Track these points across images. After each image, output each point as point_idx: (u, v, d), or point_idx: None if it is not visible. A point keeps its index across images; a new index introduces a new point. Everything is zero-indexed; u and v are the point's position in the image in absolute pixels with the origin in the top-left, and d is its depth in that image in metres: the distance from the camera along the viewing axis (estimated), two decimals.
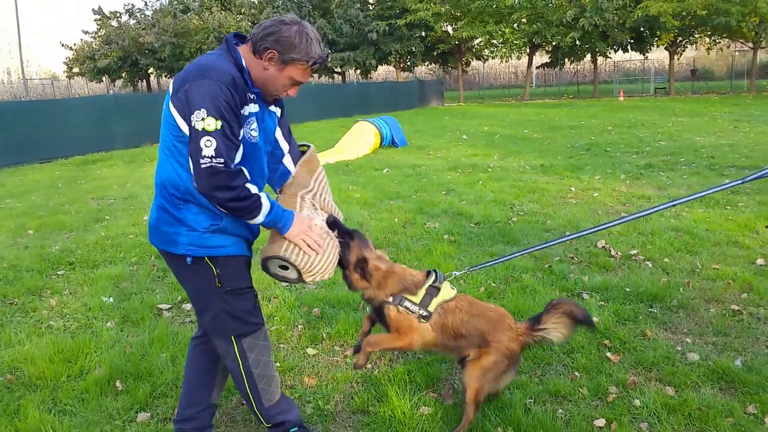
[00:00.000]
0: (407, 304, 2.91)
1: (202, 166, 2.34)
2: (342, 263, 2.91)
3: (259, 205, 2.52)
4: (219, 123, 2.33)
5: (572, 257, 5.73)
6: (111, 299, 5.05)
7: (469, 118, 25.17)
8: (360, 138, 14.08)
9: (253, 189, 2.50)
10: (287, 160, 2.91)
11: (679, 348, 3.91)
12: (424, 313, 2.93)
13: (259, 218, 2.55)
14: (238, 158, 2.49)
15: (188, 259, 2.60)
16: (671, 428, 3.10)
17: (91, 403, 3.41)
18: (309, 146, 3.00)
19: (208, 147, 2.32)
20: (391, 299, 2.91)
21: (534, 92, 49.26)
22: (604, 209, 7.49)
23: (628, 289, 4.84)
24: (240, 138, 2.48)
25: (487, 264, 3.85)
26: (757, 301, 4.54)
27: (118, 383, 3.59)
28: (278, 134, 2.86)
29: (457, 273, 3.42)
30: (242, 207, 2.48)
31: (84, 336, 4.25)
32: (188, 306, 4.85)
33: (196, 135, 2.34)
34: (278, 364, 3.75)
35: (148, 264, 6.05)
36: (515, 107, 32.84)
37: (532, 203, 8.05)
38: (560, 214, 7.33)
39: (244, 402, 2.98)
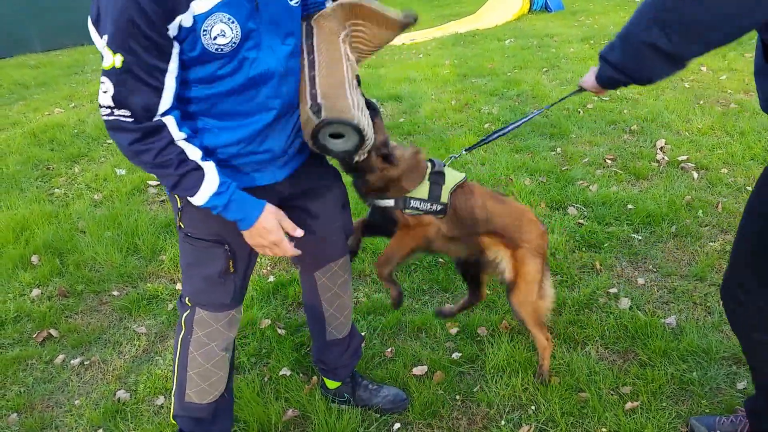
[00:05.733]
0: (414, 203, 2.32)
1: (103, 118, 1.65)
2: None
3: (197, 180, 1.75)
4: (117, 58, 1.54)
5: (609, 159, 4.78)
6: (123, 171, 5.33)
7: None
8: (505, 2, 12.74)
9: (192, 152, 1.73)
10: None
11: (614, 290, 3.16)
12: (439, 208, 2.34)
13: (199, 198, 1.77)
14: (166, 101, 1.66)
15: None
16: (498, 393, 2.57)
17: (0, 273, 3.74)
18: None
19: (105, 94, 1.59)
20: (392, 203, 2.33)
21: None
22: (712, 99, 6.02)
23: (630, 206, 3.95)
24: (163, 68, 1.62)
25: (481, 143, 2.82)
26: None
27: (34, 258, 3.85)
28: None
29: (455, 156, 2.62)
30: (166, 176, 1.74)
31: (58, 208, 4.60)
32: None
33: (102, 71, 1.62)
34: None
35: None
36: None
37: (632, 86, 6.73)
38: (649, 102, 6.07)
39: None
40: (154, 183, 5.04)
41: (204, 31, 1.63)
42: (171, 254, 3.86)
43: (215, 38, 1.65)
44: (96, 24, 1.58)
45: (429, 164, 2.39)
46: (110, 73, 1.57)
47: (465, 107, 6.51)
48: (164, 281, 3.65)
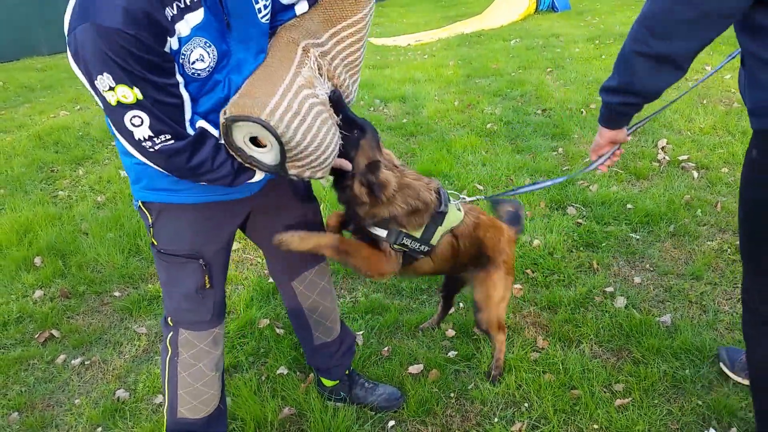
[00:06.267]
0: (405, 241, 2.19)
1: (150, 150, 1.63)
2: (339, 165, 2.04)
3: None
4: (136, 91, 1.53)
5: None
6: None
7: None
8: (511, 2, 12.73)
9: None
10: (302, 7, 1.98)
11: (610, 289, 3.17)
12: (426, 249, 2.26)
13: (258, 175, 1.82)
14: (188, 112, 1.69)
15: (134, 203, 1.99)
16: (492, 391, 2.59)
17: (4, 274, 3.78)
18: None
19: (139, 127, 1.59)
20: (384, 234, 2.17)
21: None
22: (715, 98, 6.01)
23: (629, 206, 3.96)
24: (174, 83, 1.63)
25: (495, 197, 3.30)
26: None
27: (37, 259, 3.90)
28: None
29: (467, 198, 2.46)
30: (226, 176, 1.76)
31: (62, 210, 4.65)
32: None
33: (114, 111, 1.57)
34: None
35: None
36: None
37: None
38: (653, 102, 6.05)
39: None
40: None
41: (183, 54, 1.63)
42: None
43: (193, 63, 1.66)
44: (85, 63, 1.50)
45: (437, 200, 2.23)
46: (137, 106, 1.55)
47: (468, 108, 6.52)
48: None
